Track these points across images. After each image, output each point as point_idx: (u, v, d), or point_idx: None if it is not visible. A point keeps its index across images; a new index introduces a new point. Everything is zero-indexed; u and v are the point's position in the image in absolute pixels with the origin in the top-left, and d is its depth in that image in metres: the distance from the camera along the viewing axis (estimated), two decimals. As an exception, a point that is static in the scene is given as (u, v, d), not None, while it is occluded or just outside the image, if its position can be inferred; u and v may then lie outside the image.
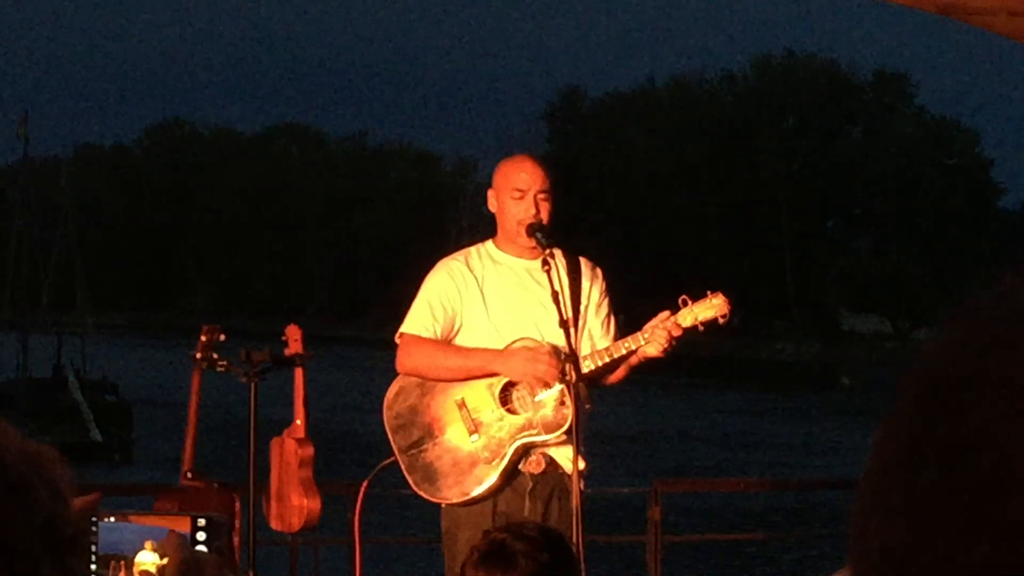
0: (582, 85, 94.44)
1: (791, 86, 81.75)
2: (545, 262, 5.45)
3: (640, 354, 5.47)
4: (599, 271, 5.73)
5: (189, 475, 6.09)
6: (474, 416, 5.52)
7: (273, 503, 6.09)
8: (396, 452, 5.60)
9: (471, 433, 5.52)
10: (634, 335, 5.46)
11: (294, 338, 6.13)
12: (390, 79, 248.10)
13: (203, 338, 6.13)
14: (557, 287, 5.40)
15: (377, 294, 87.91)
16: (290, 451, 6.08)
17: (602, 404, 5.73)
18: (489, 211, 5.70)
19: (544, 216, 5.54)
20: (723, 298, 5.48)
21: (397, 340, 5.62)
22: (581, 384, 5.34)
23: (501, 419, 5.50)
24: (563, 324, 5.36)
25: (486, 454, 5.48)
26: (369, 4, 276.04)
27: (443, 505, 5.54)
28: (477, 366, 5.50)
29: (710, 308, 5.47)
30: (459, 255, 5.68)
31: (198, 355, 6.12)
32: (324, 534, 7.31)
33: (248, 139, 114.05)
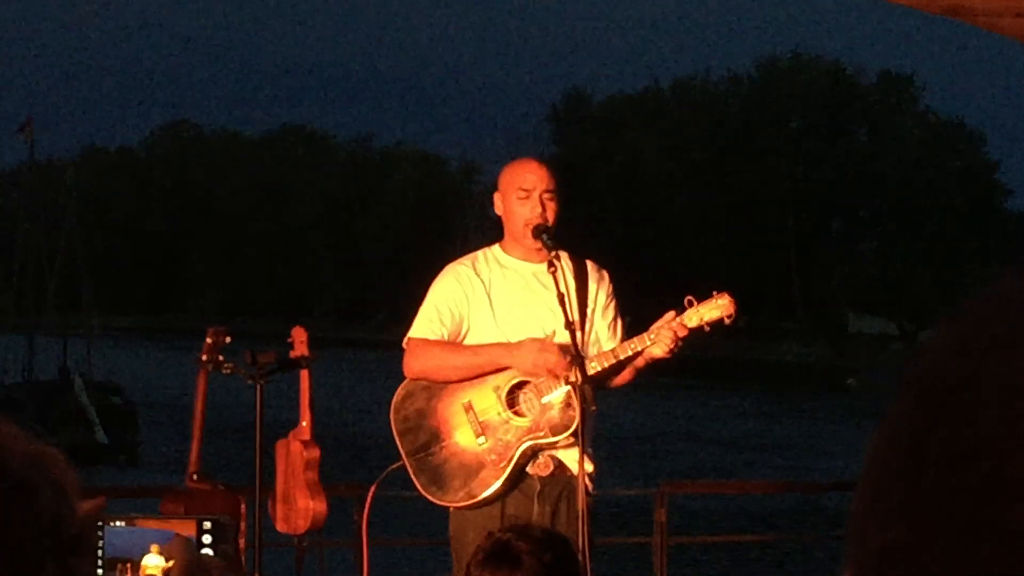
0: (587, 87, 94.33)
1: (796, 88, 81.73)
2: (551, 264, 5.45)
3: (646, 355, 5.46)
4: (605, 274, 5.73)
5: (195, 477, 6.09)
6: (481, 419, 5.52)
7: (279, 505, 6.09)
8: (403, 455, 5.59)
9: (478, 436, 5.51)
10: (640, 336, 5.45)
11: (300, 340, 6.13)
12: (395, 81, 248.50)
13: (209, 340, 6.13)
14: (563, 289, 5.40)
15: (383, 296, 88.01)
16: (296, 453, 6.08)
17: (609, 406, 5.72)
18: (495, 214, 5.70)
19: (550, 217, 5.54)
20: (728, 298, 5.48)
21: (404, 345, 5.61)
22: (587, 386, 5.34)
23: (508, 421, 5.49)
24: (569, 326, 5.36)
25: (493, 456, 5.48)
26: (374, 7, 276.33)
27: (451, 508, 5.54)
28: (486, 361, 5.50)
29: (715, 308, 5.46)
30: (466, 259, 5.67)
31: (204, 357, 6.12)
32: (330, 536, 7.31)
33: (254, 141, 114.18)
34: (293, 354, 6.12)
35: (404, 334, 5.66)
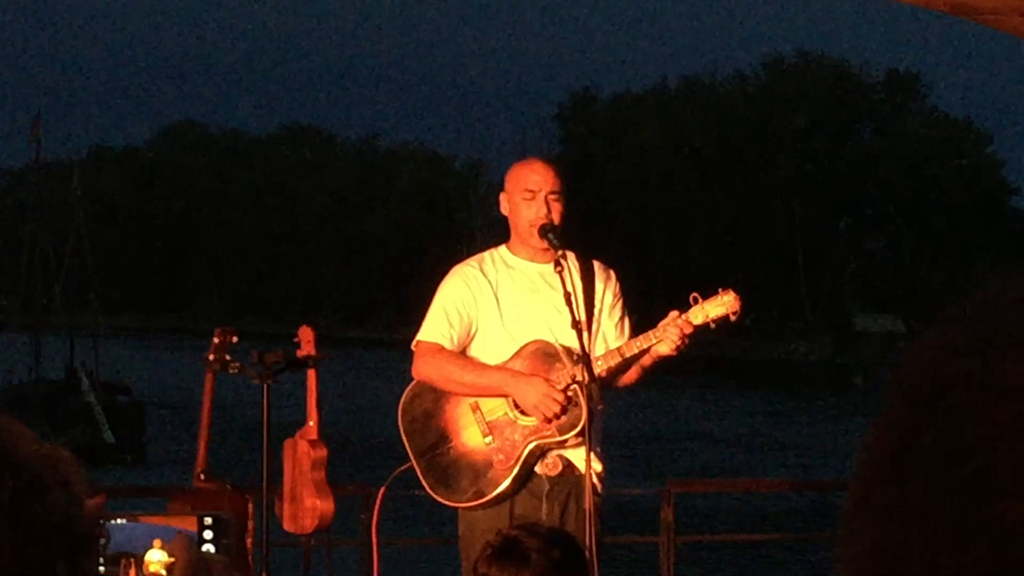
0: (594, 86, 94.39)
1: (803, 86, 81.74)
2: (558, 263, 5.45)
3: (653, 353, 5.46)
4: (612, 273, 5.72)
5: (202, 477, 6.10)
6: (488, 419, 5.52)
7: (286, 504, 6.10)
8: (412, 456, 5.59)
9: (485, 435, 5.51)
10: (646, 334, 5.45)
11: (307, 340, 6.13)
12: (401, 81, 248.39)
13: (216, 340, 6.14)
14: (569, 289, 5.40)
15: (389, 295, 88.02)
16: (303, 453, 6.08)
17: (616, 405, 5.72)
18: (501, 215, 5.70)
19: (556, 217, 5.53)
20: (733, 295, 5.47)
21: (413, 348, 5.60)
22: (594, 385, 5.34)
23: (515, 421, 5.49)
24: (576, 325, 5.35)
25: (500, 456, 5.48)
26: (380, 6, 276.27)
27: (460, 508, 5.54)
28: (492, 385, 5.48)
29: (721, 305, 5.46)
30: (473, 261, 5.67)
31: (211, 357, 6.13)
32: (337, 535, 7.32)
33: (259, 141, 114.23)
34: (300, 354, 6.12)
35: (411, 334, 5.66)
